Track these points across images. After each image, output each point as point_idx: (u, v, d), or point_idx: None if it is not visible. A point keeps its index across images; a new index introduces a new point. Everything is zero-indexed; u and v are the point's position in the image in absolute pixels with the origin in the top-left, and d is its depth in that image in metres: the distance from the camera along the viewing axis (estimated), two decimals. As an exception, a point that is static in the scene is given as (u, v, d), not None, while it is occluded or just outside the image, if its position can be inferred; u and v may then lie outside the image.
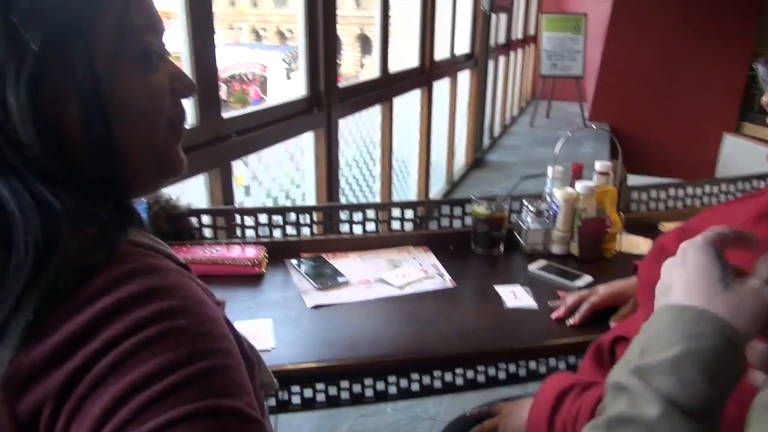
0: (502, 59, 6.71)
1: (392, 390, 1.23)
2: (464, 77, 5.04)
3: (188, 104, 1.74)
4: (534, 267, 1.36)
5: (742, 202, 0.76)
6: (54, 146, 0.47)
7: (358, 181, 3.15)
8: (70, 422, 0.40)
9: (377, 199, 3.32)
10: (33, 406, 0.41)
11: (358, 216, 1.46)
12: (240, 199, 2.22)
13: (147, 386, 0.40)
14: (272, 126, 2.16)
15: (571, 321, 1.13)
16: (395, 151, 3.55)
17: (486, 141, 6.06)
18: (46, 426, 0.41)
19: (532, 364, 1.25)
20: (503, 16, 6.18)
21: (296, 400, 1.21)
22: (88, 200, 0.49)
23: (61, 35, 0.47)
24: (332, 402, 1.18)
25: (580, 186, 1.43)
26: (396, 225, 1.50)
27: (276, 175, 2.46)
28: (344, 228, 1.47)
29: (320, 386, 1.21)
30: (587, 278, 1.31)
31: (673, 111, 6.50)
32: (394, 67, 3.58)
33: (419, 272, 1.32)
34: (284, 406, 1.22)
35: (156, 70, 0.54)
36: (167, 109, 0.56)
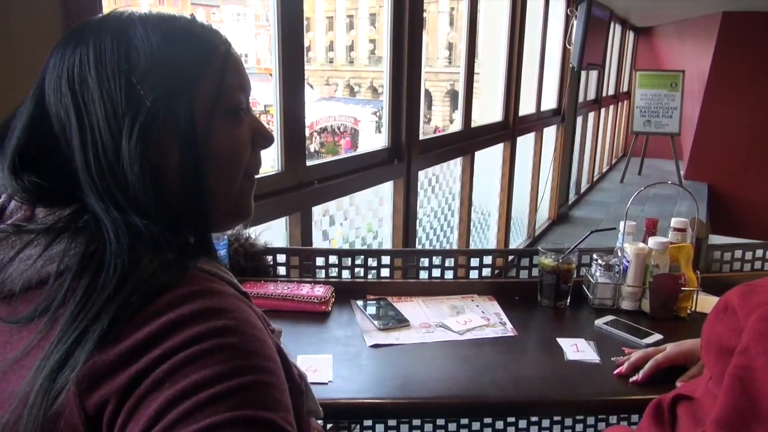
0: (591, 115, 6.61)
1: (452, 438, 1.24)
2: (550, 132, 5.01)
3: (275, 152, 1.89)
4: (601, 321, 1.33)
5: None
6: (153, 185, 0.56)
7: (436, 231, 3.19)
8: (128, 419, 0.46)
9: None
10: (100, 401, 0.46)
11: (425, 262, 1.50)
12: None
13: (195, 393, 0.45)
14: (353, 175, 2.26)
15: (634, 378, 1.09)
16: (476, 204, 3.57)
17: (572, 196, 5.94)
18: (109, 420, 0.46)
19: (591, 421, 1.22)
20: (594, 73, 6.13)
21: (355, 439, 1.24)
22: (171, 231, 0.57)
23: (170, 93, 0.57)
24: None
25: (653, 241, 1.40)
26: (463, 273, 1.53)
27: (355, 223, 2.55)
28: (411, 273, 1.51)
29: (380, 428, 1.23)
30: (657, 336, 1.26)
31: (780, 171, 6.09)
32: (481, 121, 3.65)
33: (481, 320, 1.33)
34: (344, 446, 1.25)
35: (242, 124, 0.63)
36: (247, 160, 0.64)
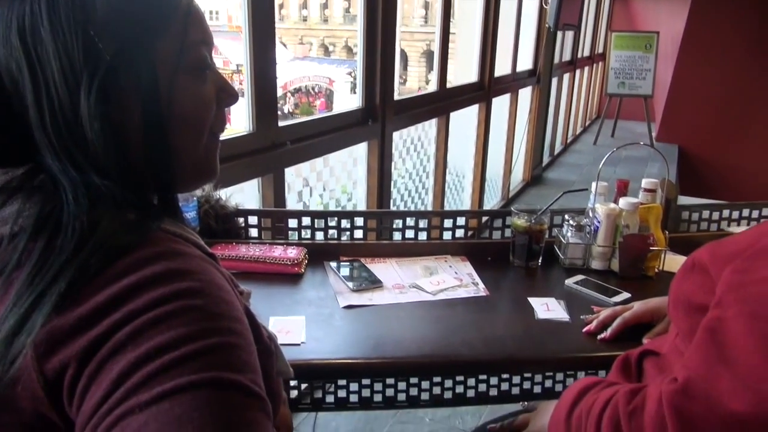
0: (566, 76, 6.61)
1: (424, 396, 1.26)
2: (526, 93, 5.00)
3: (246, 112, 1.85)
4: (571, 281, 1.35)
5: None
6: (114, 144, 0.53)
7: (410, 193, 3.18)
8: (90, 383, 0.45)
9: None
10: (59, 366, 0.45)
11: (398, 223, 1.50)
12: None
13: (159, 356, 0.44)
14: (326, 136, 2.23)
15: (602, 335, 1.12)
16: (451, 165, 3.57)
17: (546, 158, 5.98)
18: (69, 385, 0.45)
19: (560, 377, 1.25)
20: (570, 34, 6.10)
21: (330, 399, 1.26)
22: (133, 191, 0.55)
23: (130, 47, 0.54)
24: (365, 403, 1.22)
25: (623, 202, 1.41)
26: (436, 234, 1.53)
27: (329, 185, 2.53)
28: (385, 234, 1.51)
29: (354, 387, 1.25)
30: (625, 295, 1.29)
31: (748, 134, 6.21)
32: (456, 81, 3.61)
33: (454, 280, 1.34)
34: (319, 405, 1.27)
35: (207, 81, 0.60)
36: (212, 118, 0.62)
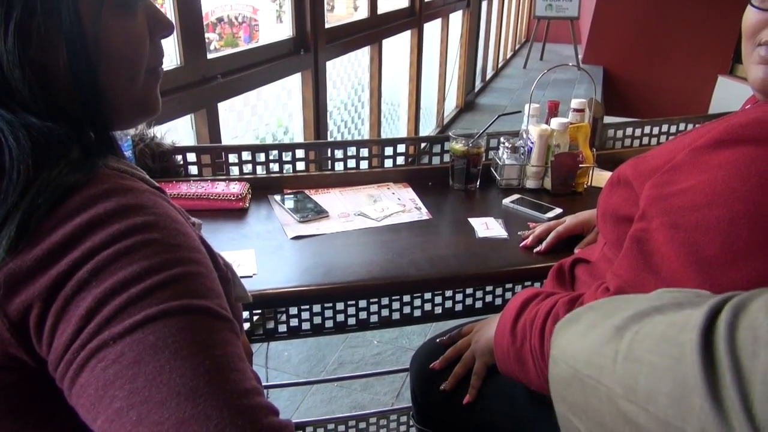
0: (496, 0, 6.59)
1: (373, 319, 1.32)
2: (456, 18, 4.96)
3: (172, 45, 1.76)
4: (507, 200, 1.42)
5: (702, 128, 0.78)
6: (40, 90, 0.51)
7: (347, 124, 3.16)
8: (58, 321, 0.45)
9: (366, 142, 3.34)
10: (22, 307, 0.45)
11: (339, 153, 1.51)
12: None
13: (125, 289, 0.45)
14: (258, 68, 2.16)
15: (538, 249, 1.19)
16: (385, 95, 3.55)
17: (478, 84, 6.02)
18: (36, 324, 0.46)
19: (500, 291, 1.33)
20: (497, -46, 6.03)
21: (282, 328, 1.29)
22: (73, 130, 0.53)
23: None
24: (316, 330, 1.26)
25: (555, 122, 1.47)
26: (377, 162, 1.55)
27: (264, 119, 2.48)
28: (326, 165, 1.51)
29: (305, 315, 1.28)
30: (558, 210, 1.37)
31: (668, 53, 6.43)
32: (386, 8, 3.54)
33: (397, 206, 1.37)
34: (271, 335, 1.30)
35: (136, 15, 0.57)
36: (147, 54, 0.59)
